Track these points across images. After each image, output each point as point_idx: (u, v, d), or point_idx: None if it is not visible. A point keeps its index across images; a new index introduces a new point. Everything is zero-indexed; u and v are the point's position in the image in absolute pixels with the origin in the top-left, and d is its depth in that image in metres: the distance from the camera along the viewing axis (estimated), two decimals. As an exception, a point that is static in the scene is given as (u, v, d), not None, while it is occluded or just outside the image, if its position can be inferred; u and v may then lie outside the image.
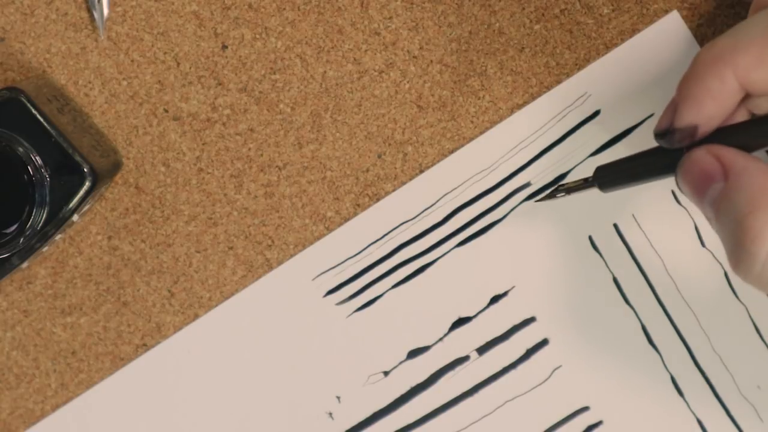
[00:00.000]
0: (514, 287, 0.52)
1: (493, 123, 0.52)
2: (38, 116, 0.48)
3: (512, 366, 0.53)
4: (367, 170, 0.52)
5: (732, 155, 0.42)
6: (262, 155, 0.52)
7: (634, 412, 0.52)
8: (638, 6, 0.51)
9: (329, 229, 0.52)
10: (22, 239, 0.48)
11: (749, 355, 0.52)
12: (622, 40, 0.51)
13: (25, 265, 0.49)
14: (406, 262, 0.52)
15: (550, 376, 0.52)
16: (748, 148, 0.43)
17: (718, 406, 0.52)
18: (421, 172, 0.52)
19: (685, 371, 0.52)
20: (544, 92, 0.52)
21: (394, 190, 0.52)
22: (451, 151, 0.52)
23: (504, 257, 0.52)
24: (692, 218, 0.52)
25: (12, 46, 0.52)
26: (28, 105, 0.48)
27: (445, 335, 0.53)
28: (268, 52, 0.52)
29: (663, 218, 0.52)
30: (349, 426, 0.53)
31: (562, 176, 0.52)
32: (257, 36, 0.52)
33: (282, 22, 0.52)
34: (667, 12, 0.51)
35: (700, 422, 0.52)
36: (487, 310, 0.53)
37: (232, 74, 0.52)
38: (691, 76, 0.44)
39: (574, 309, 0.52)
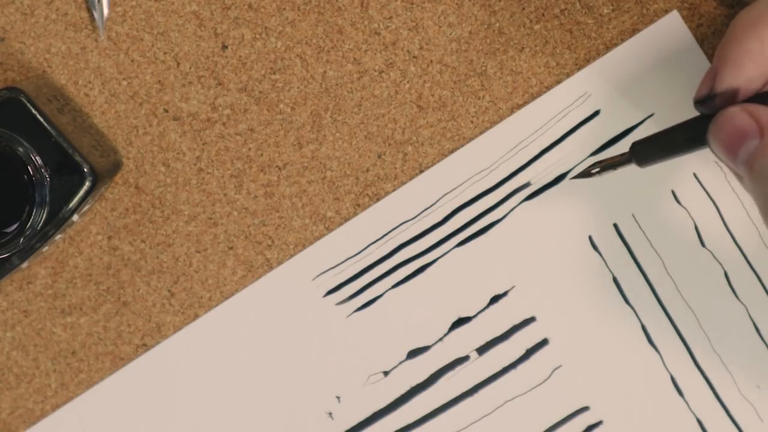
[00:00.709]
0: (514, 287, 0.52)
1: (493, 123, 0.52)
2: (38, 116, 0.48)
3: (512, 366, 0.52)
4: (367, 170, 0.52)
5: (767, 112, 0.42)
6: (262, 155, 0.52)
7: (634, 412, 0.52)
8: (638, 6, 0.51)
9: (329, 229, 0.52)
10: (22, 239, 0.48)
11: (749, 355, 0.52)
12: (622, 40, 0.51)
13: (25, 265, 0.49)
14: (406, 262, 0.52)
15: (550, 376, 0.52)
16: None
17: (718, 406, 0.52)
18: (421, 172, 0.52)
19: (685, 371, 0.52)
20: (544, 92, 0.52)
21: (394, 190, 0.52)
22: (451, 151, 0.52)
23: (504, 257, 0.52)
24: (692, 218, 0.52)
25: (12, 46, 0.52)
26: (28, 105, 0.48)
27: (445, 335, 0.53)
28: (268, 52, 0.52)
29: (663, 218, 0.52)
30: (349, 426, 0.53)
31: (562, 176, 0.52)
32: (257, 36, 0.52)
33: (282, 22, 0.52)
34: (667, 12, 0.51)
35: (700, 422, 0.52)
36: (487, 310, 0.53)
37: (232, 74, 0.52)
38: (730, 40, 0.43)
39: (574, 309, 0.52)
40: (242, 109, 0.52)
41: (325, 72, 0.52)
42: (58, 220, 0.48)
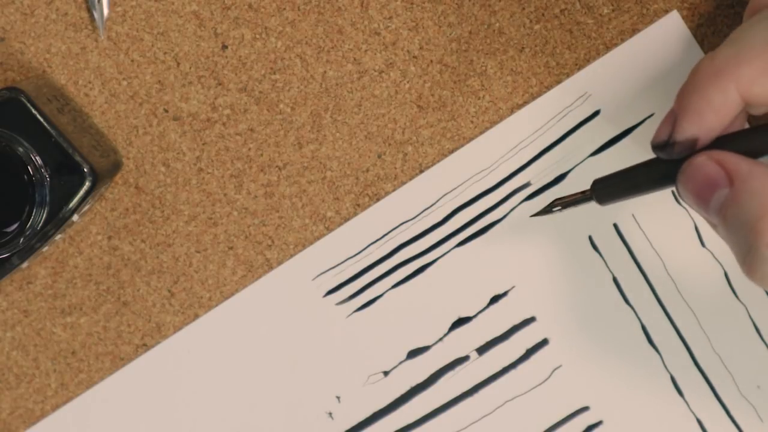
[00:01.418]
0: (514, 287, 0.52)
1: (493, 123, 0.52)
2: (38, 116, 0.48)
3: (512, 366, 0.53)
4: (367, 170, 0.52)
5: (735, 160, 0.42)
6: (262, 155, 0.52)
7: (634, 412, 0.52)
8: (638, 6, 0.51)
9: (329, 229, 0.52)
10: (22, 239, 0.48)
11: (749, 355, 0.52)
12: (622, 40, 0.51)
13: (25, 265, 0.49)
14: (406, 262, 0.52)
15: (550, 376, 0.52)
16: (748, 155, 0.42)
17: (718, 406, 0.52)
18: (421, 172, 0.52)
19: (685, 371, 0.52)
20: (544, 92, 0.52)
21: (394, 190, 0.52)
22: (451, 151, 0.52)
23: (504, 257, 0.52)
24: (692, 218, 0.52)
25: (12, 46, 0.52)
26: (28, 105, 0.48)
27: (445, 335, 0.53)
28: (268, 52, 0.52)
29: (663, 218, 0.52)
30: (349, 426, 0.53)
31: (562, 176, 0.52)
32: (257, 36, 0.52)
33: (282, 22, 0.52)
34: (667, 12, 0.51)
35: (700, 422, 0.52)
36: (487, 310, 0.53)
37: (232, 74, 0.52)
38: (691, 88, 0.43)
39: (574, 309, 0.52)
40: (242, 109, 0.52)
41: (325, 72, 0.52)
42: (58, 220, 0.48)
